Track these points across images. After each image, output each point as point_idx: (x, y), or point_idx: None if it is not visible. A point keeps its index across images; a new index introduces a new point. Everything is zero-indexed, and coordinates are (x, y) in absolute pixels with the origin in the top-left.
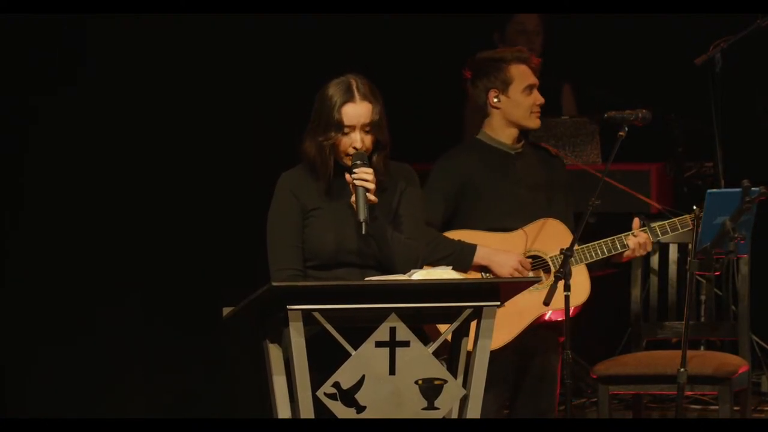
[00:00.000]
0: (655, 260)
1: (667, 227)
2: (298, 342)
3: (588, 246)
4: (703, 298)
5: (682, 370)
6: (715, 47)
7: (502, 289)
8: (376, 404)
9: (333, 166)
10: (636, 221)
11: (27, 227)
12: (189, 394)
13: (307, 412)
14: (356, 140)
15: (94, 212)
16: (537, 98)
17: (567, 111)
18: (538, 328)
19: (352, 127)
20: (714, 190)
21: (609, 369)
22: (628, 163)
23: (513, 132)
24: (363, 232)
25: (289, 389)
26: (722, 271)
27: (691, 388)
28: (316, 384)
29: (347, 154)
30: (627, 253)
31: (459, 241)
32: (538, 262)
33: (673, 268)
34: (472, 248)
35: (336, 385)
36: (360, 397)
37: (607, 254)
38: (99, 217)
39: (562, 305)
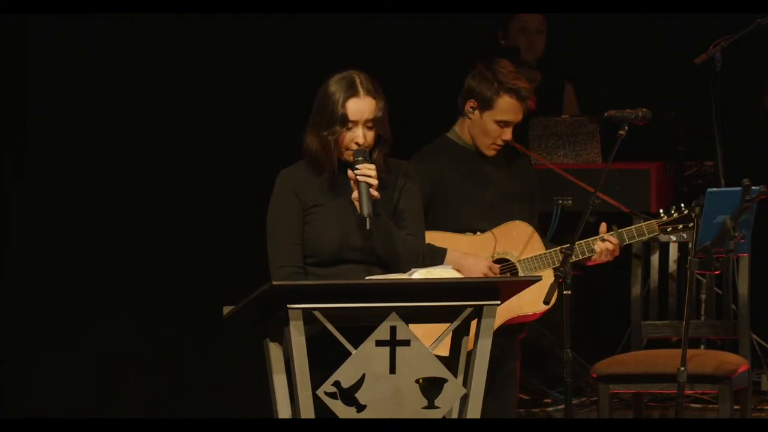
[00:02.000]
0: (655, 259)
1: (634, 232)
2: (299, 341)
3: (556, 250)
4: (703, 297)
5: (682, 369)
6: (715, 46)
7: (502, 289)
8: (376, 403)
9: (336, 161)
10: (603, 226)
11: (27, 227)
12: (189, 394)
13: (307, 411)
14: (358, 135)
15: (93, 212)
16: (505, 135)
17: (569, 110)
18: (498, 328)
19: (355, 122)
20: (714, 189)
21: (609, 368)
22: (628, 162)
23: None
24: (367, 227)
25: (290, 389)
26: (722, 270)
27: (691, 387)
28: (316, 383)
29: (348, 149)
30: (594, 257)
31: (429, 244)
32: (505, 266)
33: (673, 267)
34: (442, 252)
35: (336, 384)
36: (360, 396)
37: (574, 259)
38: (99, 217)
39: (527, 310)
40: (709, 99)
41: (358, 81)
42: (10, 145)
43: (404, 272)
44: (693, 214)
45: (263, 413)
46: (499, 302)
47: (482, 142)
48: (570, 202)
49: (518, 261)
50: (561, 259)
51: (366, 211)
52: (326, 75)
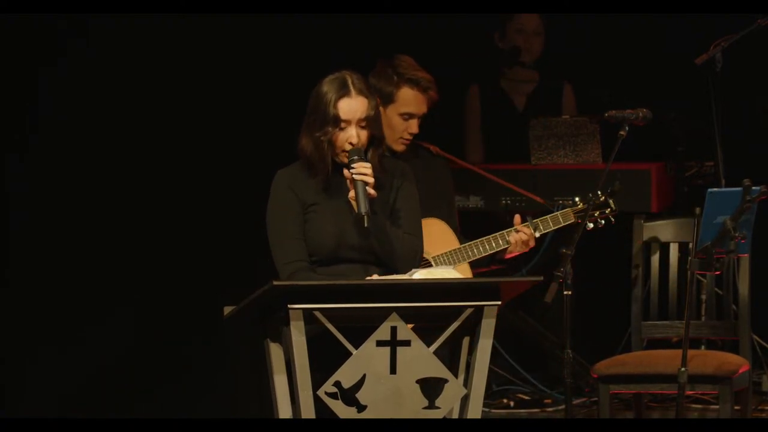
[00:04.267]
0: (655, 260)
1: (549, 221)
2: (299, 341)
3: (470, 244)
4: (703, 297)
5: (682, 369)
6: (716, 47)
7: (502, 289)
8: (376, 404)
9: (330, 162)
10: (517, 217)
11: (27, 227)
12: (189, 394)
13: (307, 411)
14: (352, 135)
15: (93, 212)
16: (411, 127)
17: (567, 111)
18: None
19: (348, 122)
20: (714, 189)
21: (609, 368)
22: (629, 162)
23: None
24: (365, 225)
25: (290, 389)
26: (723, 271)
27: (691, 387)
28: (317, 383)
29: (343, 150)
30: (509, 249)
31: None
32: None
33: (673, 268)
34: None
35: (337, 384)
36: (361, 396)
37: (488, 251)
38: (99, 217)
39: None
40: (709, 99)
41: (349, 81)
42: (11, 146)
43: (402, 271)
44: (609, 201)
45: (263, 413)
46: (499, 302)
47: (389, 137)
48: (570, 202)
49: (433, 257)
50: (474, 252)
51: (363, 209)
52: (323, 75)
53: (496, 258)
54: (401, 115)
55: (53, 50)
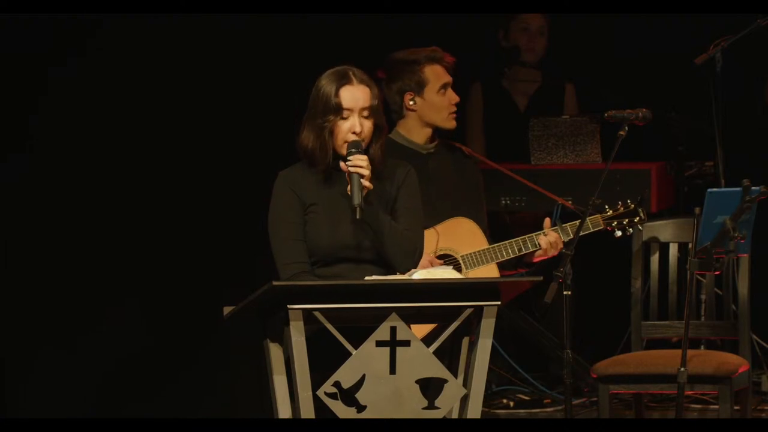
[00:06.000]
0: (655, 260)
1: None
2: (299, 341)
3: (499, 245)
4: (703, 297)
5: (682, 369)
6: (716, 46)
7: (502, 289)
8: (376, 404)
9: (331, 153)
10: (547, 221)
11: (28, 227)
12: (189, 394)
13: (307, 411)
14: (355, 124)
15: (94, 213)
16: (452, 97)
17: (569, 111)
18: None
19: (350, 111)
20: (714, 189)
21: (609, 368)
22: (629, 162)
23: (427, 132)
24: (357, 217)
25: (290, 389)
26: (722, 271)
27: (691, 387)
28: (313, 383)
29: (345, 141)
30: (538, 253)
31: None
32: (448, 261)
33: (673, 268)
34: None
35: (336, 384)
36: (360, 396)
37: (518, 253)
38: (99, 218)
39: None
40: (709, 99)
41: (350, 72)
42: (11, 146)
43: (399, 267)
44: (639, 210)
45: (263, 413)
46: (499, 302)
47: (439, 118)
48: (570, 201)
49: (461, 257)
50: (504, 254)
51: (356, 201)
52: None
53: (523, 261)
54: (438, 91)
55: (53, 50)
